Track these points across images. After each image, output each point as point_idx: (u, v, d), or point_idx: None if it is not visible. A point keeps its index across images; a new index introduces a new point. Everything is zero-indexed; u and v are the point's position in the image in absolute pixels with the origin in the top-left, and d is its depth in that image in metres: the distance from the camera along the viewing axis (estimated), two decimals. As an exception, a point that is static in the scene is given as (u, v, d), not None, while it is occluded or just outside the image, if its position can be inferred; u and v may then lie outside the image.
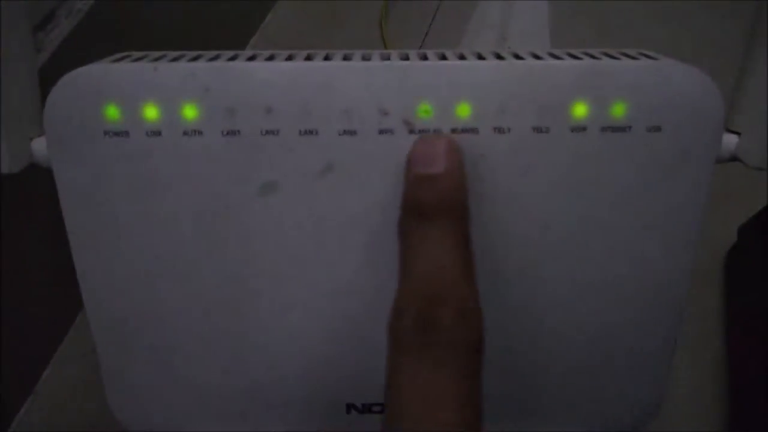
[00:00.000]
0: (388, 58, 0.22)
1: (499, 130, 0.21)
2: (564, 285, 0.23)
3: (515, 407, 0.25)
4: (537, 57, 0.22)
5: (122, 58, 0.22)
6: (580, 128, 0.21)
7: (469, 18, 0.46)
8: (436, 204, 0.20)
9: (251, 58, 0.22)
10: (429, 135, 0.21)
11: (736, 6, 0.43)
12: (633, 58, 0.22)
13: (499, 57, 0.22)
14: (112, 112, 0.21)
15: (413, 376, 0.18)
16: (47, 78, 0.22)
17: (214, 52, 0.22)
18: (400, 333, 0.19)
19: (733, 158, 0.23)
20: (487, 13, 0.47)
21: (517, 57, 0.22)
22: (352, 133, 0.21)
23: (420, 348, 0.18)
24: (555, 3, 0.47)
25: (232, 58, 0.22)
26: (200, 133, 0.21)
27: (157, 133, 0.21)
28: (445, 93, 0.21)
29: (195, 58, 0.22)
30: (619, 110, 0.21)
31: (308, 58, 0.22)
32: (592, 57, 0.22)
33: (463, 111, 0.21)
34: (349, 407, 0.25)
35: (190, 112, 0.21)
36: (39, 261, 0.32)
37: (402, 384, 0.18)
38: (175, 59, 0.22)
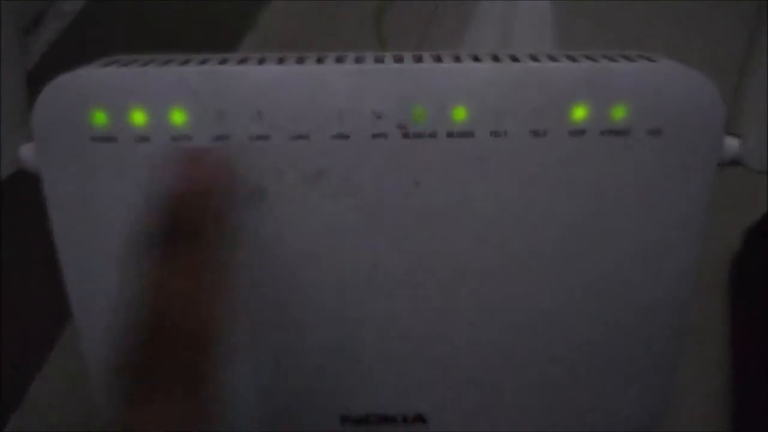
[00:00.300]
0: (382, 61, 0.21)
1: (495, 134, 0.21)
2: (564, 290, 0.23)
3: (518, 410, 0.25)
4: (535, 59, 0.21)
5: (110, 63, 0.22)
6: (579, 132, 0.21)
7: (470, 18, 0.46)
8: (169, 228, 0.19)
9: (242, 62, 0.21)
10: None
11: (739, 7, 0.43)
12: (632, 60, 0.21)
13: (495, 59, 0.21)
14: (100, 117, 0.20)
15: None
16: (35, 82, 0.22)
17: (203, 56, 0.22)
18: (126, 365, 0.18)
19: (735, 161, 0.22)
20: (488, 12, 0.46)
21: (514, 59, 0.21)
22: (344, 137, 0.21)
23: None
24: (558, 3, 0.46)
25: (222, 62, 0.21)
26: (189, 138, 0.21)
27: (146, 139, 0.21)
28: (440, 96, 0.20)
29: (184, 62, 0.21)
30: (618, 113, 0.21)
31: (300, 61, 0.21)
32: (591, 59, 0.21)
33: (459, 114, 0.20)
34: (344, 419, 0.25)
35: (178, 117, 0.20)
36: (28, 268, 0.32)
37: None
38: (163, 63, 0.21)
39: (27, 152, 0.22)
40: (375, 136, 0.21)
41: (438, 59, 0.21)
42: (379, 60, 0.21)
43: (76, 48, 0.29)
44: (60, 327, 0.34)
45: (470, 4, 0.46)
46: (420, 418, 0.24)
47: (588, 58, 0.21)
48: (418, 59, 0.21)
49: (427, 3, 0.46)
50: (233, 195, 0.20)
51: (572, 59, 0.21)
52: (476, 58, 0.21)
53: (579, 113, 0.20)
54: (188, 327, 0.18)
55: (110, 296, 0.23)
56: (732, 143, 0.22)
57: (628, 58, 0.21)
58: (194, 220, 0.19)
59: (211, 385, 0.18)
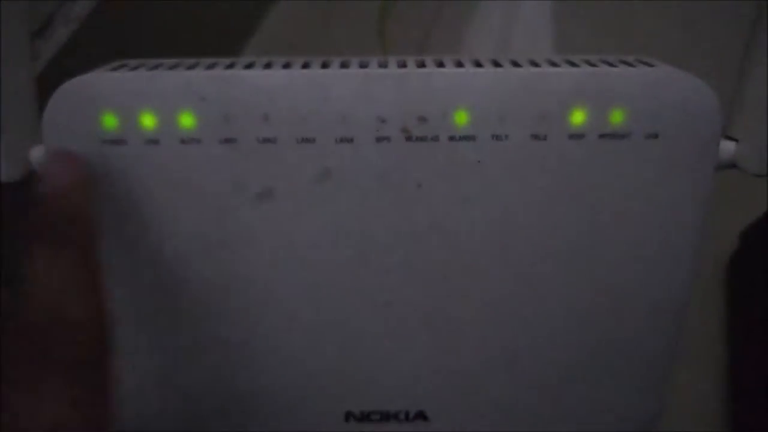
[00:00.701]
0: (386, 66, 0.22)
1: (496, 137, 0.21)
2: (562, 291, 0.23)
3: (516, 410, 0.25)
4: (535, 64, 0.22)
5: (119, 67, 0.22)
6: (578, 135, 0.21)
7: (471, 21, 0.46)
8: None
9: (248, 66, 0.22)
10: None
11: (738, 11, 0.43)
12: (631, 65, 0.22)
13: (496, 64, 0.22)
14: (110, 120, 0.21)
15: None
16: (45, 85, 0.22)
17: (211, 60, 0.22)
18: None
19: (732, 165, 0.23)
20: (489, 15, 0.47)
21: (515, 64, 0.22)
22: (349, 140, 0.21)
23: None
24: (558, 5, 0.47)
25: (229, 66, 0.22)
26: (198, 141, 0.21)
27: (155, 142, 0.21)
28: (442, 100, 0.21)
29: (192, 66, 0.22)
30: (617, 117, 0.21)
31: (305, 65, 0.22)
32: (590, 64, 0.22)
33: (461, 119, 0.21)
34: (348, 415, 0.25)
35: (187, 120, 0.21)
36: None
37: None
38: (171, 67, 0.22)
39: (37, 155, 0.22)
40: (379, 139, 0.21)
41: (440, 64, 0.22)
42: (382, 65, 0.22)
43: (84, 52, 0.29)
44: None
45: (472, 4, 0.47)
46: (422, 415, 0.25)
47: (587, 63, 0.22)
48: (421, 64, 0.22)
49: (430, 3, 0.46)
50: (94, 193, 0.21)
51: (572, 64, 0.22)
52: (478, 64, 0.22)
53: (578, 117, 0.21)
54: (68, 319, 0.19)
55: (120, 295, 0.23)
56: (729, 147, 0.22)
57: (626, 63, 0.22)
58: (62, 217, 0.20)
59: (101, 377, 0.19)
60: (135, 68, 0.22)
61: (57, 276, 0.19)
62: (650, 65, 0.22)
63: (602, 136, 0.21)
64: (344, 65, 0.22)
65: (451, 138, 0.21)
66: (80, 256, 0.20)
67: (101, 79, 0.21)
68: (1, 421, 0.17)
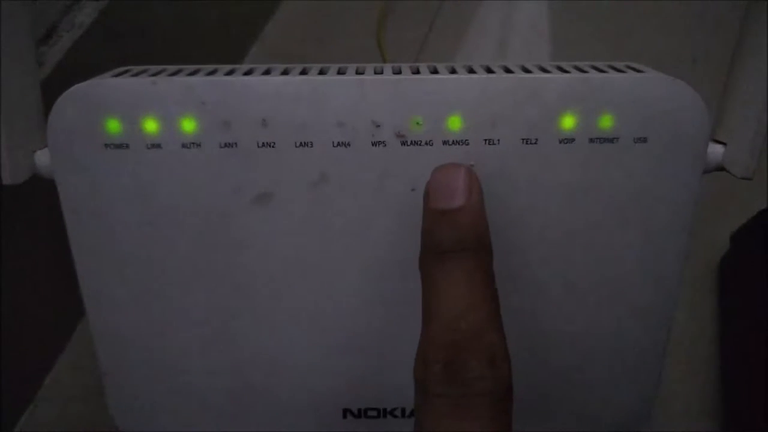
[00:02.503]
0: (381, 72, 0.22)
1: (489, 141, 0.22)
2: (552, 292, 0.24)
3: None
4: (526, 70, 0.22)
5: (122, 73, 0.23)
6: (568, 140, 0.22)
7: (468, 24, 0.46)
8: (456, 241, 0.19)
9: (248, 72, 0.22)
10: (446, 165, 0.21)
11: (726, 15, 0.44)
12: (620, 71, 0.22)
13: (489, 71, 0.22)
14: (113, 125, 0.21)
15: (442, 426, 0.18)
16: (50, 91, 0.22)
17: (212, 66, 0.23)
18: (428, 382, 0.18)
19: (720, 168, 0.23)
20: (486, 19, 0.47)
21: (507, 71, 0.22)
22: (346, 145, 0.22)
23: (449, 398, 0.18)
24: (555, 8, 0.47)
25: (230, 72, 0.22)
26: (199, 145, 0.22)
27: (157, 146, 0.22)
28: (436, 106, 0.21)
29: (193, 73, 0.22)
30: (606, 122, 0.21)
31: (303, 72, 0.22)
32: (580, 70, 0.22)
33: (454, 123, 0.21)
34: (345, 412, 0.25)
35: (188, 125, 0.21)
36: (41, 270, 0.32)
37: None
38: (173, 73, 0.22)
39: (42, 158, 0.23)
40: (374, 144, 0.22)
41: (434, 71, 0.22)
42: (378, 71, 0.22)
43: (88, 59, 0.30)
44: (73, 325, 0.35)
45: (469, 7, 0.47)
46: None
47: (577, 69, 0.22)
48: (416, 71, 0.22)
49: (428, 6, 0.47)
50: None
51: (562, 70, 0.22)
52: (471, 70, 0.22)
53: (568, 122, 0.21)
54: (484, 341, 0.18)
55: (123, 297, 0.24)
56: (717, 150, 0.23)
57: (616, 69, 0.22)
58: (474, 232, 0.19)
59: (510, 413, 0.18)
60: (138, 74, 0.22)
61: (462, 298, 0.18)
62: (639, 71, 0.22)
63: (592, 140, 0.22)
64: (341, 72, 0.22)
65: (445, 142, 0.22)
66: (489, 272, 0.19)
67: (105, 85, 0.21)
68: None
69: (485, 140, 0.22)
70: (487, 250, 0.20)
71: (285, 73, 0.22)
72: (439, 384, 0.18)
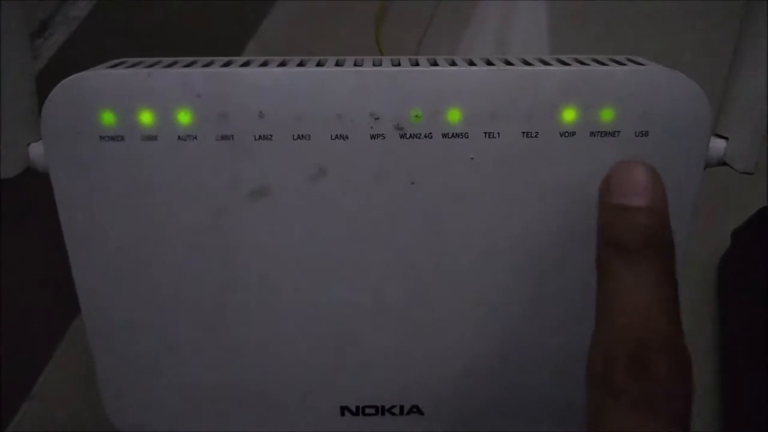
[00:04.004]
0: (380, 64, 0.22)
1: (489, 135, 0.21)
2: (553, 286, 0.23)
3: (509, 406, 0.25)
4: (527, 63, 0.22)
5: (118, 65, 0.22)
6: (569, 133, 0.21)
7: (467, 21, 0.46)
8: (644, 240, 0.18)
9: (245, 64, 0.22)
10: (627, 162, 0.20)
11: (728, 8, 0.44)
12: (621, 64, 0.22)
13: (489, 63, 0.22)
14: (108, 117, 0.21)
15: (630, 423, 0.17)
16: (44, 84, 0.22)
17: (208, 58, 0.23)
18: (611, 376, 0.18)
19: (722, 163, 0.23)
20: (484, 18, 0.47)
21: (507, 63, 0.22)
22: (344, 137, 0.21)
23: (636, 396, 0.17)
24: (554, 8, 0.47)
25: (226, 64, 0.22)
26: (195, 137, 0.21)
27: (153, 138, 0.21)
28: (435, 98, 0.21)
29: (189, 65, 0.22)
30: (607, 115, 0.21)
31: (301, 64, 0.22)
32: (581, 63, 0.22)
33: (454, 116, 0.21)
34: (343, 410, 0.25)
35: (184, 117, 0.21)
36: (36, 265, 0.32)
37: (616, 430, 0.17)
38: (169, 65, 0.22)
39: (36, 151, 0.22)
40: (373, 136, 0.21)
41: (434, 63, 0.22)
42: (377, 63, 0.22)
43: (83, 51, 0.30)
44: (68, 322, 0.34)
45: (468, 6, 0.47)
46: (417, 410, 0.25)
47: (578, 62, 0.22)
48: (415, 63, 0.22)
49: (426, 5, 0.47)
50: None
51: (563, 63, 0.22)
52: (471, 62, 0.22)
53: (569, 115, 0.21)
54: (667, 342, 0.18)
55: (117, 292, 0.23)
56: (718, 144, 0.23)
57: (617, 62, 0.22)
58: (662, 229, 0.19)
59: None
60: (133, 66, 0.22)
61: (647, 297, 0.18)
62: (640, 64, 0.22)
63: (593, 134, 0.21)
64: (339, 64, 0.22)
65: (445, 135, 0.21)
66: (674, 275, 0.19)
67: (100, 77, 0.21)
68: None
69: (485, 133, 0.21)
70: (673, 252, 0.19)
71: (282, 65, 0.22)
72: (625, 379, 0.17)
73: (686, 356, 0.18)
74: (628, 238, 0.19)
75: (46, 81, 0.22)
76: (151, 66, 0.22)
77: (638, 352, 0.17)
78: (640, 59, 0.23)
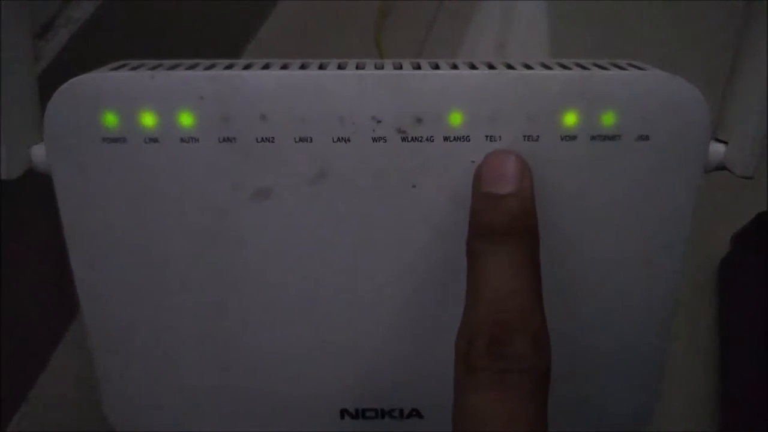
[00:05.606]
0: (382, 67, 0.22)
1: (490, 138, 0.21)
2: (552, 290, 0.23)
3: None
4: (528, 67, 0.22)
5: (120, 67, 0.22)
6: (570, 137, 0.21)
7: (467, 25, 0.47)
8: (507, 226, 0.19)
9: (247, 67, 0.22)
10: (498, 151, 0.21)
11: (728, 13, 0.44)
12: (622, 68, 0.22)
13: (491, 67, 0.22)
14: (110, 119, 0.21)
15: (483, 399, 0.18)
16: (46, 85, 0.22)
17: (210, 61, 0.23)
18: (471, 356, 0.19)
19: (721, 167, 0.23)
20: (485, 20, 0.47)
21: (509, 67, 0.22)
22: (346, 140, 0.21)
23: (493, 373, 0.18)
24: (554, 9, 0.47)
25: (228, 67, 0.22)
26: (197, 140, 0.21)
27: (155, 140, 0.21)
28: (437, 101, 0.21)
29: (191, 67, 0.22)
30: (608, 119, 0.21)
31: (303, 66, 0.22)
32: (582, 67, 0.22)
33: (455, 119, 0.21)
34: (343, 413, 0.25)
35: (186, 119, 0.21)
36: (37, 266, 0.32)
37: (471, 406, 0.18)
38: (171, 68, 0.22)
39: (38, 152, 0.22)
40: (375, 139, 0.21)
41: (435, 66, 0.22)
42: (379, 67, 0.22)
43: (85, 53, 0.30)
44: (66, 324, 0.34)
45: (469, 5, 0.47)
46: (417, 413, 0.25)
47: (579, 66, 0.22)
48: (417, 66, 0.22)
49: (427, 6, 0.47)
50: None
51: (564, 67, 0.22)
52: (472, 66, 0.22)
53: (570, 119, 0.21)
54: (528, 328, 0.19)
55: (118, 293, 0.23)
56: (718, 149, 0.23)
57: (618, 67, 0.22)
58: (523, 214, 0.20)
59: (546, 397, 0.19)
60: (135, 68, 0.22)
61: (509, 281, 0.19)
62: (641, 68, 0.22)
63: (594, 137, 0.21)
64: (341, 67, 0.22)
65: (446, 138, 0.21)
66: (535, 259, 0.20)
67: (102, 78, 0.21)
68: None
69: (486, 136, 0.21)
70: (536, 237, 0.20)
71: (284, 67, 0.22)
72: (483, 358, 0.18)
73: (543, 337, 0.19)
74: (493, 223, 0.20)
75: (48, 82, 0.22)
76: (153, 68, 0.22)
77: (497, 332, 0.19)
78: (640, 63, 0.23)
